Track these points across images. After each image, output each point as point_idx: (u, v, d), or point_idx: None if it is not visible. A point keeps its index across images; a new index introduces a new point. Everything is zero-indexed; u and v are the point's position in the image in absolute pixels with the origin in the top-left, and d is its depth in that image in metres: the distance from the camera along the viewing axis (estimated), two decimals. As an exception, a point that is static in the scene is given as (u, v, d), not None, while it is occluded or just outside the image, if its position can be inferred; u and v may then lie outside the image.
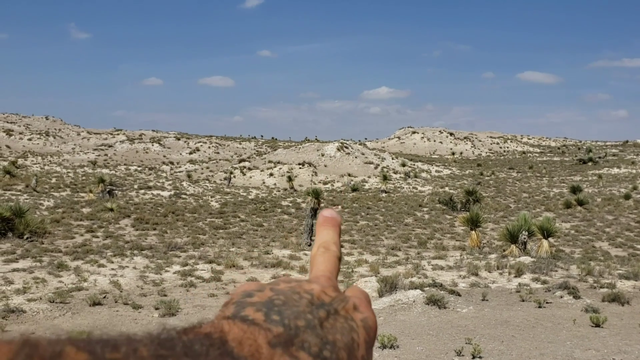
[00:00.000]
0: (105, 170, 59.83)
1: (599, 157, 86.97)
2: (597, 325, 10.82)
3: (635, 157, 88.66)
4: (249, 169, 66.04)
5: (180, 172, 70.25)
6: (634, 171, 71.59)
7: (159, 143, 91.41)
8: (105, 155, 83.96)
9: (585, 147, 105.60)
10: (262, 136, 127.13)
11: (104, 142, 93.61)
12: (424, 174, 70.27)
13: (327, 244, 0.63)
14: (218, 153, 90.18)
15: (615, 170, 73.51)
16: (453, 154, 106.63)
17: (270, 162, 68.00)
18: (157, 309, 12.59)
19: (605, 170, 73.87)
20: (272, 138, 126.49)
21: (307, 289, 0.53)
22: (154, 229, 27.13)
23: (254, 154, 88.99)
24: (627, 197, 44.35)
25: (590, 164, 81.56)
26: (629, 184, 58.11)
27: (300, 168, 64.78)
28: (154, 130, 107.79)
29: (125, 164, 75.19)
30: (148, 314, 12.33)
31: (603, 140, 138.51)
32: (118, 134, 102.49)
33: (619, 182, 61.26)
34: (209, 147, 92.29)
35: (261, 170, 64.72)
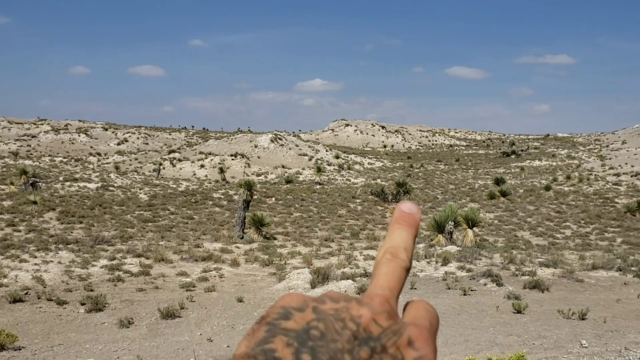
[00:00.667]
0: (28, 162, 56.97)
1: (522, 150, 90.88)
2: (519, 312, 11.36)
3: (555, 150, 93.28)
4: (179, 160, 64.70)
5: (107, 163, 67.92)
6: (554, 164, 75.33)
7: (85, 134, 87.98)
8: (29, 146, 79.98)
9: (508, 141, 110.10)
10: (192, 127, 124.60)
11: (27, 132, 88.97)
12: (357, 166, 71.19)
13: (396, 249, 0.52)
14: (147, 144, 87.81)
15: (536, 163, 77.09)
16: (385, 146, 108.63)
17: (201, 153, 66.87)
18: (83, 304, 12.19)
19: (527, 162, 77.32)
20: (204, 129, 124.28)
21: (354, 315, 0.44)
22: (80, 222, 26.15)
23: (185, 144, 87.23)
24: (547, 188, 46.62)
25: (513, 156, 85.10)
26: (549, 175, 61.14)
27: (232, 159, 64.09)
28: (80, 121, 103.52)
29: (50, 155, 71.89)
30: (73, 310, 11.92)
31: (526, 134, 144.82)
32: (42, 124, 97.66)
33: (540, 174, 64.34)
34: (138, 138, 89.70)
35: (192, 162, 63.55)
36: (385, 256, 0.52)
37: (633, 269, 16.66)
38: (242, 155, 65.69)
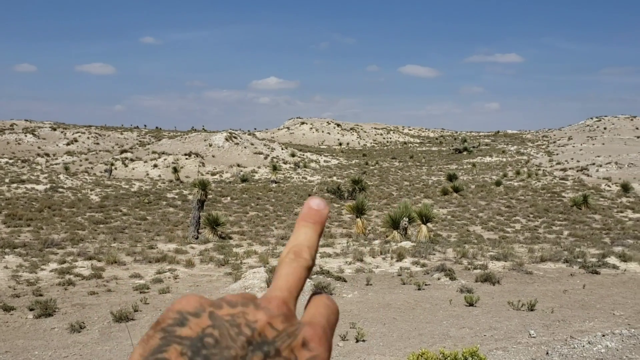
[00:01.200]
0: (-31, 163, 54.80)
1: (473, 147, 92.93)
2: (471, 305, 11.64)
3: (505, 146, 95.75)
4: (132, 160, 63.41)
5: (56, 164, 65.93)
6: (504, 160, 77.32)
7: (32, 134, 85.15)
8: (-30, 146, 76.94)
9: (460, 138, 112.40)
10: (145, 126, 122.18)
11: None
12: (313, 164, 71.33)
13: (300, 248, 0.52)
14: (98, 144, 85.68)
15: (487, 159, 78.98)
16: (340, 144, 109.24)
17: (154, 152, 65.70)
18: (31, 309, 11.81)
19: (478, 159, 79.12)
20: (157, 128, 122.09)
21: (250, 320, 0.44)
22: (28, 225, 25.34)
23: (137, 144, 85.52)
24: (498, 183, 47.84)
25: (465, 153, 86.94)
26: (499, 171, 62.73)
27: (186, 159, 63.22)
28: (27, 120, 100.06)
29: (-7, 156, 69.29)
30: (21, 316, 11.55)
31: (477, 130, 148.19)
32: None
33: (491, 169, 65.95)
34: (88, 138, 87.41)
35: (145, 162, 62.38)
36: (289, 256, 0.52)
37: (579, 260, 17.28)
38: (197, 155, 64.88)
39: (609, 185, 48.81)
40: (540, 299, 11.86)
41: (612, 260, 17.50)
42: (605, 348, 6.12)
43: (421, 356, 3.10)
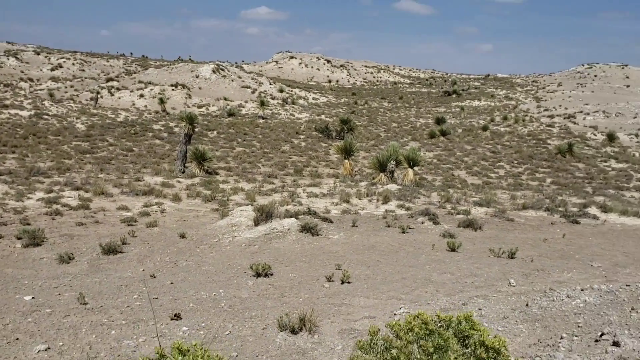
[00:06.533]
0: (-50, 85, 53.46)
1: (463, 90, 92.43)
2: (453, 250, 11.92)
3: (494, 90, 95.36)
4: (118, 89, 62.30)
5: (41, 90, 64.57)
6: (492, 104, 77.18)
7: (15, 57, 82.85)
8: (-51, 67, 74.87)
9: (451, 80, 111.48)
10: (131, 54, 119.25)
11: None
12: (301, 101, 70.64)
13: None
14: (83, 70, 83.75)
15: (476, 103, 78.77)
16: (330, 81, 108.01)
17: (140, 82, 64.51)
18: (19, 238, 11.90)
19: (467, 102, 78.89)
20: (143, 56, 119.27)
21: None
22: (13, 152, 25.11)
23: (123, 72, 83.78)
24: (484, 128, 47.97)
25: (454, 96, 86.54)
26: (487, 116, 62.77)
27: (173, 90, 62.23)
28: (8, 42, 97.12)
29: (-26, 78, 67.65)
30: (9, 244, 11.64)
31: (468, 73, 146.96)
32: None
33: (479, 114, 65.93)
34: (73, 64, 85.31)
35: (131, 91, 61.33)
36: None
37: (560, 209, 17.64)
38: (183, 86, 63.83)
39: (594, 134, 49.19)
40: (521, 247, 12.18)
41: (592, 210, 17.89)
42: (584, 303, 6.37)
43: (418, 317, 3.21)
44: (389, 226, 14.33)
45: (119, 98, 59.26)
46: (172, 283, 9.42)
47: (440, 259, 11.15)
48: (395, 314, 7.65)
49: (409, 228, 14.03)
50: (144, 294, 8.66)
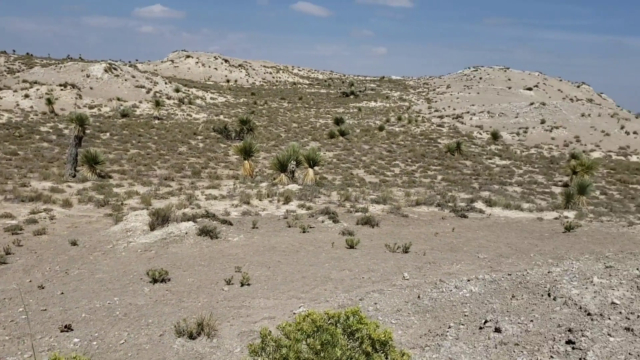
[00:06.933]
0: None
1: (360, 91, 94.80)
2: (352, 247, 12.24)
3: (389, 92, 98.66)
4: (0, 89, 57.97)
5: None
6: (387, 105, 79.83)
7: None
8: None
9: (348, 81, 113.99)
10: (14, 51, 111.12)
11: None
12: (198, 101, 69.30)
13: None
14: (-43, 68, 77.09)
15: (372, 104, 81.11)
16: (228, 81, 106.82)
17: (25, 81, 60.45)
18: None
19: (364, 103, 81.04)
20: (27, 54, 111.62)
21: None
22: None
23: (5, 71, 78.08)
24: (381, 128, 49.55)
25: (352, 97, 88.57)
26: (383, 116, 64.83)
27: (62, 90, 58.85)
28: None
29: None
30: None
31: (364, 75, 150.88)
32: None
33: (375, 114, 67.96)
34: (-55, 60, 78.29)
35: (14, 91, 57.26)
36: None
37: (450, 204, 18.61)
38: (73, 86, 60.55)
39: (480, 133, 52.31)
40: (415, 242, 12.73)
41: (479, 204, 19.04)
42: (470, 292, 6.79)
43: (308, 316, 3.29)
44: (289, 226, 14.44)
45: (1, 98, 55.15)
46: (62, 293, 8.95)
47: (340, 257, 11.40)
48: (294, 313, 7.74)
49: (310, 227, 14.22)
50: (32, 307, 8.16)
